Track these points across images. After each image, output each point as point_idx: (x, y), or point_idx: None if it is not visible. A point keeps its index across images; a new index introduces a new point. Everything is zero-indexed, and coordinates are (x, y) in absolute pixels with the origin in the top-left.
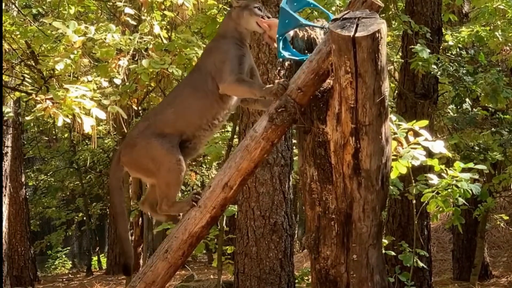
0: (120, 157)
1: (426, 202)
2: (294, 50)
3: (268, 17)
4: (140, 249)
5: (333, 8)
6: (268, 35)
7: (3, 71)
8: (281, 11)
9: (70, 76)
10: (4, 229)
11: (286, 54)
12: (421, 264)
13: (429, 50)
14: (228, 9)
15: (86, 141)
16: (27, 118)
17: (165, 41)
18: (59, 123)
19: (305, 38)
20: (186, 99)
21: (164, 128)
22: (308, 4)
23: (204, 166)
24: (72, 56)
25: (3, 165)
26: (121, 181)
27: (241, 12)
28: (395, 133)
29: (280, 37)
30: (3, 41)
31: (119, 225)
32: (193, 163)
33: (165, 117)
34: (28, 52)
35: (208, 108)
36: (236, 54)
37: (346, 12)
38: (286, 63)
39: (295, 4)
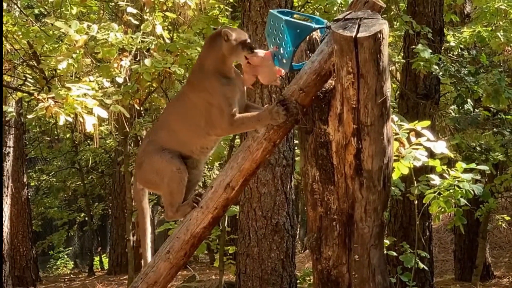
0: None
1: (428, 203)
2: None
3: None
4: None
5: (335, 8)
6: (247, 75)
7: (5, 72)
8: (287, 23)
9: (72, 76)
10: (6, 230)
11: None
12: (422, 265)
13: (430, 51)
14: (230, 9)
15: (88, 141)
16: (29, 116)
17: (167, 41)
18: (61, 122)
19: (307, 39)
20: (174, 126)
21: (163, 145)
22: (286, 15)
23: (206, 167)
24: (74, 55)
25: (5, 165)
26: (143, 202)
27: (235, 47)
28: (397, 134)
29: (295, 49)
30: (5, 41)
31: (141, 241)
32: None
33: (160, 137)
34: (30, 52)
35: (195, 139)
36: (224, 94)
37: (348, 12)
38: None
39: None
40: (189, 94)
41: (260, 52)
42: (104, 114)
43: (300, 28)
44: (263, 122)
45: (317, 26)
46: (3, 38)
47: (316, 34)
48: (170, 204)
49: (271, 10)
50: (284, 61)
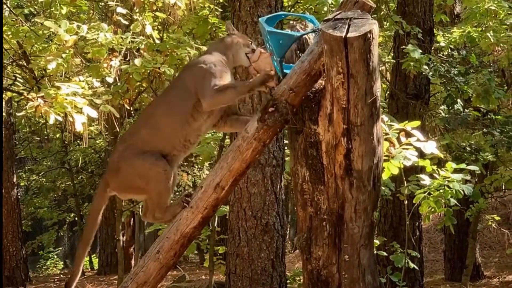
0: (108, 184)
1: (418, 203)
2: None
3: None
4: (132, 249)
5: (325, 8)
6: (254, 67)
7: None
8: (269, 35)
9: (62, 76)
10: None
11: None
12: (412, 265)
13: (420, 51)
14: (220, 10)
15: (78, 141)
16: (18, 114)
17: (157, 41)
18: (51, 121)
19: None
20: (159, 119)
21: (143, 147)
22: (280, 17)
23: (196, 167)
24: (64, 55)
25: None
26: (100, 212)
27: (235, 40)
28: (387, 134)
29: (282, 59)
30: None
31: (80, 248)
32: (185, 164)
33: (141, 137)
34: (19, 52)
35: (179, 129)
36: (217, 70)
37: (338, 12)
38: None
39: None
40: (183, 77)
41: (261, 50)
42: (93, 113)
43: (282, 39)
44: (252, 84)
45: (299, 34)
46: None
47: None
48: (158, 206)
49: (260, 18)
50: (278, 67)
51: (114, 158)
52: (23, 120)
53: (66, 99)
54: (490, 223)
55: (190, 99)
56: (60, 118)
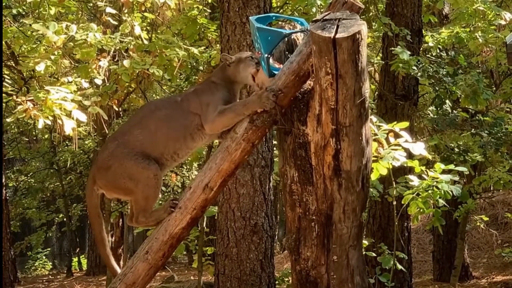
0: (96, 181)
1: (406, 203)
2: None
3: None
4: (121, 250)
5: (314, 9)
6: (257, 84)
7: None
8: (258, 30)
9: (50, 77)
10: None
11: (275, 71)
12: (400, 267)
13: (409, 52)
14: (209, 10)
15: (67, 142)
16: (8, 119)
17: (146, 42)
18: (40, 125)
19: (286, 40)
20: (155, 124)
21: (134, 147)
22: (270, 18)
23: (185, 167)
24: (52, 57)
25: None
26: (99, 207)
27: (237, 67)
28: (375, 134)
29: (269, 56)
30: None
31: (101, 252)
32: None
33: (133, 137)
34: (8, 52)
35: (173, 140)
36: (222, 97)
37: (326, 13)
38: None
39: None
40: (189, 99)
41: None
42: (83, 117)
43: (271, 35)
44: (251, 107)
45: (288, 31)
46: None
47: (295, 35)
48: (143, 210)
49: (250, 17)
50: (265, 66)
51: (104, 156)
52: (12, 122)
53: (55, 103)
54: (478, 223)
55: (192, 121)
56: (49, 122)
